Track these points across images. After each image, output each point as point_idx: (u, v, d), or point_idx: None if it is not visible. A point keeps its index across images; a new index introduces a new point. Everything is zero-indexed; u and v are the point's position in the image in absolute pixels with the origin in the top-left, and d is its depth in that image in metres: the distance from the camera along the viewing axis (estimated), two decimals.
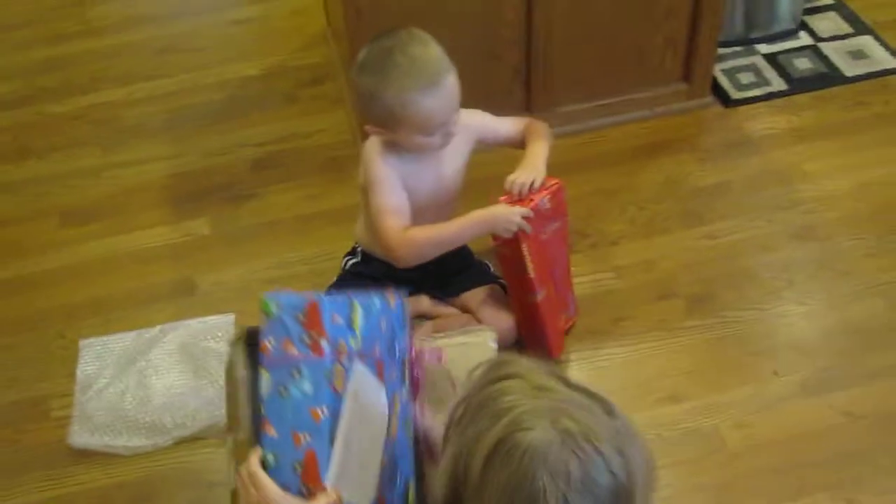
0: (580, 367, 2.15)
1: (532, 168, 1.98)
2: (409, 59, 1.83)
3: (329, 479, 1.21)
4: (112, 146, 2.89)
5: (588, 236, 2.45)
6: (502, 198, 1.96)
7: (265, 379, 1.25)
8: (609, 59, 2.64)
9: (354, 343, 1.30)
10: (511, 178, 1.97)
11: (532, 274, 1.98)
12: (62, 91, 3.12)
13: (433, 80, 1.83)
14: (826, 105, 2.81)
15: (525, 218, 1.91)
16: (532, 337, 2.13)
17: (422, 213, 2.00)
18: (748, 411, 2.06)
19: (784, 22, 3.04)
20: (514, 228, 1.91)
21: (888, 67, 2.92)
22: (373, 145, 2.01)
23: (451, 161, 2.05)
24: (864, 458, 1.97)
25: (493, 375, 1.06)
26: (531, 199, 1.94)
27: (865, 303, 2.26)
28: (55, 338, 2.31)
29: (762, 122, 2.76)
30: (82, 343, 2.29)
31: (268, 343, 1.25)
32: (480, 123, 2.11)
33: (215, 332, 2.27)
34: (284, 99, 3.01)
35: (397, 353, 1.48)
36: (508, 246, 1.96)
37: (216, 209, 2.63)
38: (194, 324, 2.30)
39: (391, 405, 1.39)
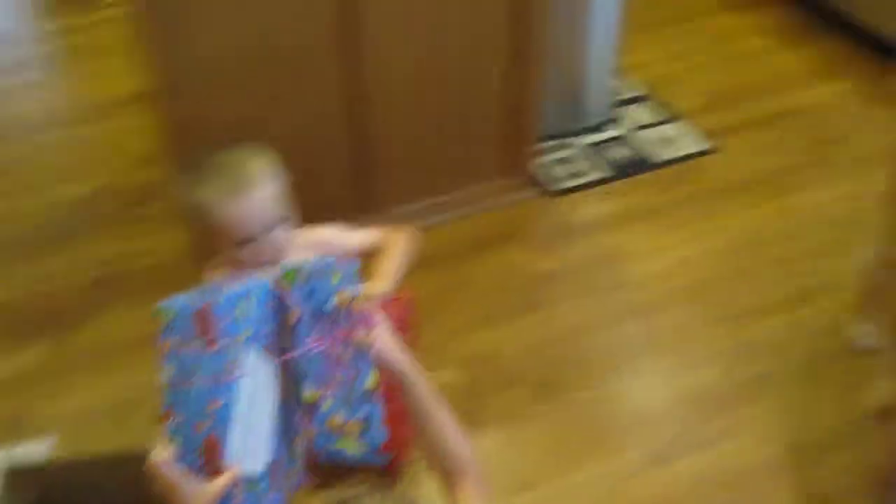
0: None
1: (378, 282, 1.95)
2: (225, 165, 1.82)
3: (229, 459, 1.32)
4: None
5: (429, 333, 2.46)
6: None
7: (167, 371, 1.35)
8: (435, 159, 2.73)
9: (247, 331, 1.38)
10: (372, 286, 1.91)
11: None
12: None
13: (238, 188, 1.80)
14: (643, 189, 2.97)
15: None
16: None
17: None
18: (602, 489, 2.10)
19: (599, 115, 3.22)
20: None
21: (695, 150, 3.13)
22: (212, 269, 1.97)
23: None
24: None
25: None
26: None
27: (701, 372, 2.37)
28: None
29: (586, 209, 2.89)
30: None
31: (167, 342, 1.36)
32: (326, 240, 2.07)
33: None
34: (113, 220, 2.94)
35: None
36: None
37: (47, 338, 2.52)
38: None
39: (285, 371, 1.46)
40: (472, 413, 2.25)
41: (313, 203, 2.16)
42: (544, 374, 2.35)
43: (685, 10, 3.86)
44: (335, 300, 1.52)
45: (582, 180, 3.01)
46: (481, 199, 2.85)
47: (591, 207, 2.90)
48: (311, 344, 1.53)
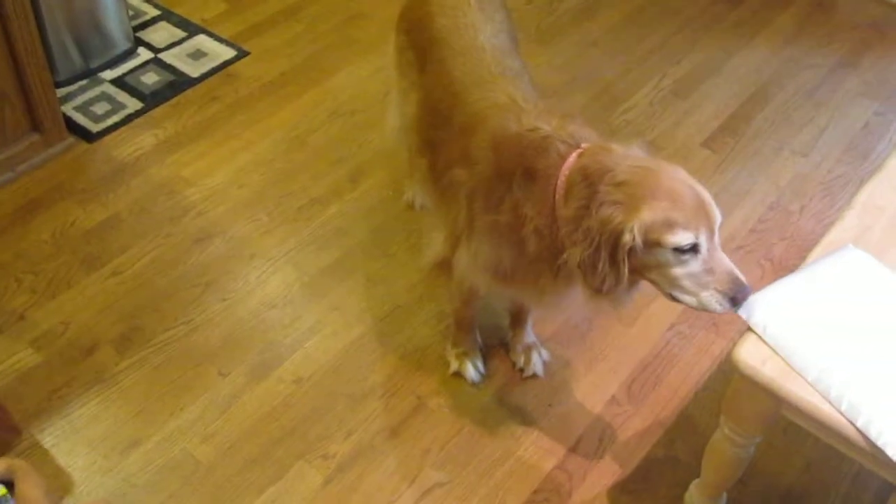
0: (32, 453, 2.00)
1: None
2: None
3: None
4: None
5: None
6: None
7: None
8: None
9: None
10: None
11: None
12: None
13: None
14: (184, 110, 2.89)
15: None
16: None
17: None
18: (209, 420, 2.09)
19: (119, 44, 3.05)
20: None
21: (226, 59, 3.08)
22: None
23: None
24: (321, 412, 2.10)
25: None
26: None
27: (276, 277, 2.40)
28: None
29: (130, 145, 2.77)
30: None
31: None
32: None
33: None
34: None
35: None
36: None
37: None
38: None
39: None
40: (58, 390, 2.13)
41: None
42: (124, 329, 2.26)
43: None
44: None
45: (119, 116, 2.86)
46: (11, 163, 2.62)
47: (134, 143, 2.77)
48: None
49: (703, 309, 1.61)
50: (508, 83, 1.87)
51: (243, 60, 3.08)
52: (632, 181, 1.57)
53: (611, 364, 2.23)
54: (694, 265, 1.58)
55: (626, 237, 1.54)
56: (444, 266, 2.03)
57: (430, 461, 2.03)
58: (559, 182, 1.64)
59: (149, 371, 2.18)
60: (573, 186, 1.62)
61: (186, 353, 2.22)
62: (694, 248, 1.56)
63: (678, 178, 1.60)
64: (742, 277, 1.59)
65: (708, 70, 3.12)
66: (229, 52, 3.10)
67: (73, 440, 2.05)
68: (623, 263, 1.57)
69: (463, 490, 1.98)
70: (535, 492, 1.99)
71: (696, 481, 1.91)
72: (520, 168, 1.69)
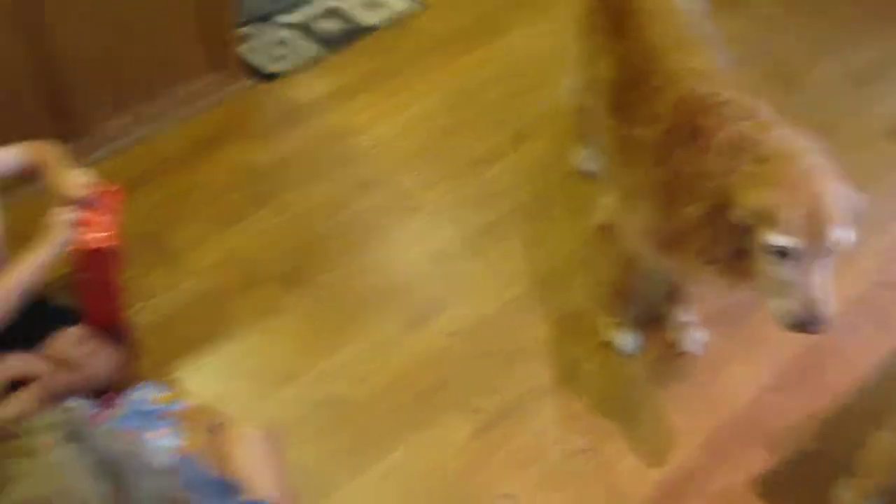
0: (191, 378, 2.10)
1: (74, 173, 1.87)
2: None
3: None
4: None
5: (168, 247, 2.39)
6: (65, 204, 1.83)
7: None
8: (137, 67, 2.56)
9: None
10: (64, 183, 1.84)
11: (117, 281, 1.91)
12: None
13: None
14: (357, 59, 2.94)
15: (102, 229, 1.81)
16: (109, 332, 2.06)
17: None
18: (363, 364, 2.14)
19: None
20: (70, 238, 1.79)
21: (402, 10, 3.11)
22: None
23: None
24: (473, 367, 2.13)
25: None
26: (105, 202, 1.84)
27: (439, 232, 2.42)
28: None
29: (304, 89, 2.84)
30: None
31: None
32: None
33: None
34: None
35: None
36: (92, 261, 1.83)
37: None
38: None
39: None
40: (220, 319, 2.22)
41: (10, 134, 2.00)
42: (287, 266, 2.34)
43: None
44: None
45: (294, 61, 2.93)
46: (191, 99, 2.73)
47: (308, 87, 2.84)
48: None
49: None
50: (703, 48, 1.89)
51: (419, 13, 3.10)
52: (770, 161, 1.56)
53: (770, 349, 2.17)
54: (779, 269, 1.53)
55: (736, 212, 1.54)
56: (608, 232, 2.02)
57: (576, 427, 2.03)
58: (715, 142, 1.64)
59: (308, 310, 2.24)
60: (723, 148, 1.63)
61: (345, 296, 2.28)
62: (786, 252, 1.51)
63: (817, 175, 1.55)
64: (823, 308, 1.52)
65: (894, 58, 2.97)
66: (405, 4, 3.13)
67: (232, 368, 2.14)
68: (726, 235, 1.57)
69: (605, 458, 1.98)
70: (677, 468, 1.97)
71: (848, 479, 1.84)
72: (689, 126, 1.71)
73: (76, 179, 1.86)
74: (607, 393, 2.09)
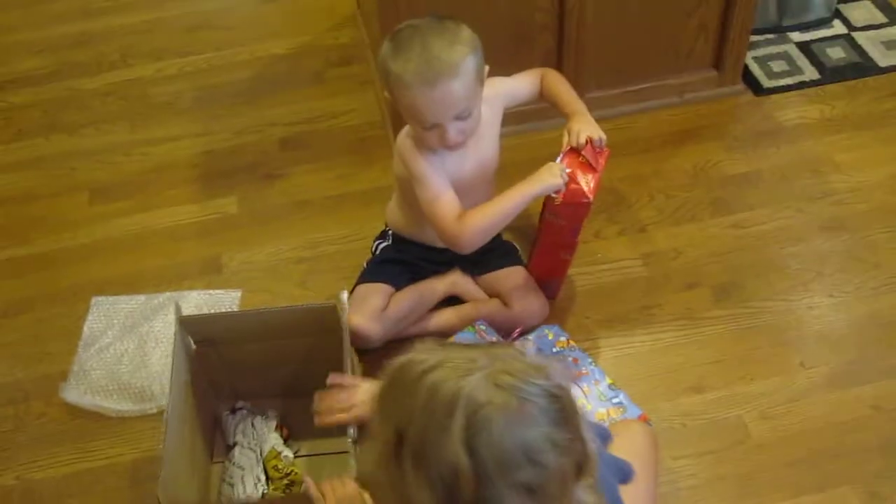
0: (607, 353, 2.15)
1: (588, 121, 2.00)
2: (421, 49, 1.80)
3: None
4: (141, 123, 2.91)
5: (617, 223, 2.45)
6: (565, 149, 1.97)
7: None
8: (640, 44, 2.63)
9: None
10: (575, 128, 1.97)
11: (577, 238, 2.02)
12: (93, 66, 3.14)
13: (428, 79, 1.79)
14: (859, 95, 2.78)
15: (590, 183, 1.92)
16: (545, 284, 2.18)
17: (468, 191, 2.00)
18: (774, 403, 2.05)
19: (818, 10, 3.01)
20: (561, 185, 1.90)
21: None
22: (407, 136, 2.00)
23: (487, 135, 2.04)
24: (890, 451, 1.96)
25: (411, 380, 1.06)
26: (598, 160, 1.96)
27: (891, 298, 2.25)
28: (85, 312, 2.33)
29: (793, 111, 2.74)
30: (94, 300, 2.34)
31: None
32: (507, 90, 2.10)
33: (220, 306, 2.30)
34: (313, 78, 3.01)
35: None
36: (566, 212, 1.95)
37: (245, 188, 2.64)
38: (200, 296, 2.33)
39: None
40: (649, 308, 2.24)
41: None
42: (727, 279, 2.29)
43: None
44: None
45: (793, 80, 2.84)
46: (682, 90, 2.75)
47: (799, 110, 2.74)
48: None
49: None
50: None
51: None
52: None
53: None
54: None
55: None
56: None
57: None
58: None
59: (735, 329, 2.19)
60: None
61: (776, 329, 2.19)
62: None
63: None
64: None
65: None
66: None
67: (644, 358, 2.15)
68: None
69: None
70: None
71: None
72: None
73: (585, 128, 1.99)
74: None
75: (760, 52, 2.93)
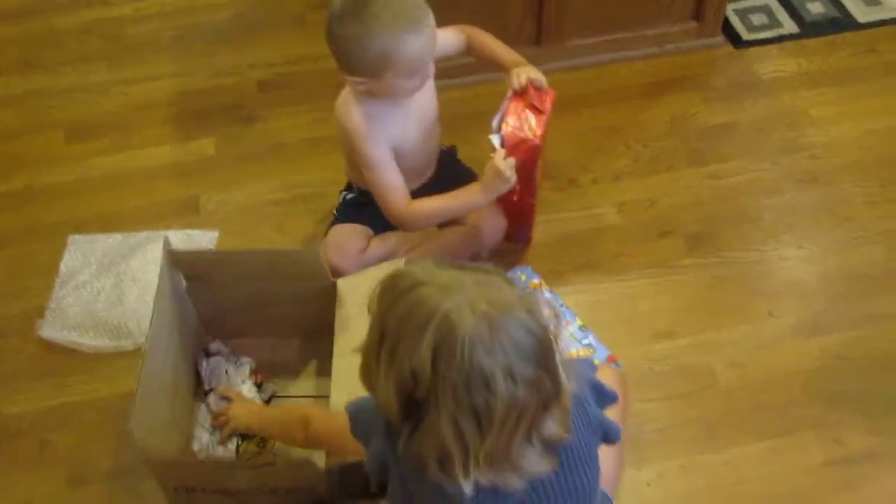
0: (579, 298, 2.17)
1: (528, 66, 2.02)
2: (388, 3, 1.79)
3: None
4: (119, 62, 2.89)
5: (591, 171, 2.46)
6: (509, 95, 1.98)
7: None
8: None
9: None
10: (515, 71, 1.99)
11: (538, 179, 2.06)
12: (70, 4, 3.10)
13: (418, 21, 1.80)
14: (837, 50, 2.80)
15: (538, 124, 1.94)
16: (514, 229, 2.21)
17: (415, 148, 2.05)
18: (742, 350, 2.09)
19: None
20: (512, 183, 1.92)
21: None
22: (347, 103, 1.98)
23: (427, 91, 2.04)
24: (853, 399, 2.01)
25: (400, 290, 1.12)
26: (543, 102, 1.97)
27: (865, 249, 2.29)
28: (62, 250, 2.33)
29: (772, 64, 2.76)
30: (70, 238, 2.34)
31: None
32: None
33: (197, 246, 2.31)
34: (294, 21, 2.99)
35: None
36: (519, 153, 1.96)
37: (223, 129, 2.64)
38: (177, 235, 2.33)
39: None
40: (622, 256, 2.27)
41: (493, 28, 2.15)
42: (700, 229, 2.32)
43: None
44: None
45: (772, 33, 2.85)
46: (662, 40, 2.75)
47: (778, 63, 2.76)
48: None
49: None
50: None
51: None
52: None
53: None
54: None
55: None
56: None
57: None
58: None
59: (707, 278, 2.23)
60: None
61: (746, 278, 2.23)
62: None
63: None
64: None
65: None
66: None
67: (615, 305, 2.18)
68: None
69: None
70: None
71: None
72: None
73: (524, 70, 2.00)
74: None
75: (741, 4, 2.93)
